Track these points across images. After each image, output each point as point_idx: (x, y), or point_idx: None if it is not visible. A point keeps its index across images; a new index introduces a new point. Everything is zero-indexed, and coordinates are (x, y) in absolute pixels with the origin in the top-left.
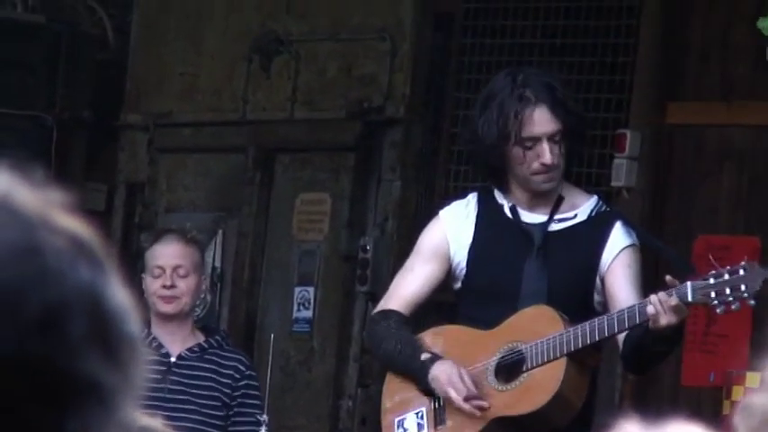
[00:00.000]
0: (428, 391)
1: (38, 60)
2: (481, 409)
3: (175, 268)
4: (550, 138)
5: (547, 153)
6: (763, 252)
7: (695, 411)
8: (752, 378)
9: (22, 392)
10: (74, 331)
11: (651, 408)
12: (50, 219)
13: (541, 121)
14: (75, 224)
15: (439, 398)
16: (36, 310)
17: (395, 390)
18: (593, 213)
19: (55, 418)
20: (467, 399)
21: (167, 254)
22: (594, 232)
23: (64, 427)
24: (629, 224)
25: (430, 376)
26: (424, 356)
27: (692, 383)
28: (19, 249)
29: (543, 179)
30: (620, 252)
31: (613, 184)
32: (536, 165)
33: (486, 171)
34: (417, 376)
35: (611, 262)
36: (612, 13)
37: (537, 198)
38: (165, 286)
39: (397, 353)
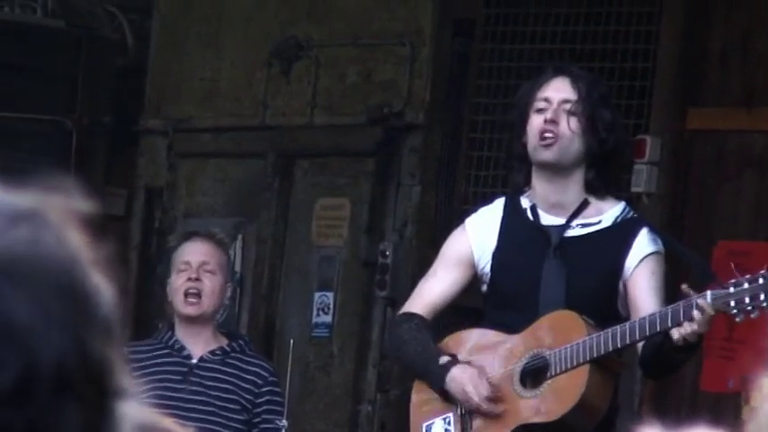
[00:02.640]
0: (450, 400)
1: (58, 65)
2: (494, 413)
3: (202, 264)
4: (563, 104)
5: (551, 112)
6: None
7: (714, 417)
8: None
9: (100, 393)
10: (116, 336)
11: (670, 413)
12: (69, 230)
13: (558, 86)
14: (84, 235)
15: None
16: (103, 316)
17: (422, 396)
18: (619, 220)
19: (103, 420)
20: (488, 398)
21: (195, 250)
22: (619, 238)
23: (105, 428)
24: (655, 231)
25: (449, 377)
26: (444, 359)
27: (711, 389)
28: (82, 260)
29: (545, 143)
30: (643, 258)
31: (633, 189)
32: (539, 122)
33: (513, 160)
34: (436, 378)
35: (635, 268)
36: (632, 19)
37: (559, 195)
38: (190, 279)
39: (417, 355)
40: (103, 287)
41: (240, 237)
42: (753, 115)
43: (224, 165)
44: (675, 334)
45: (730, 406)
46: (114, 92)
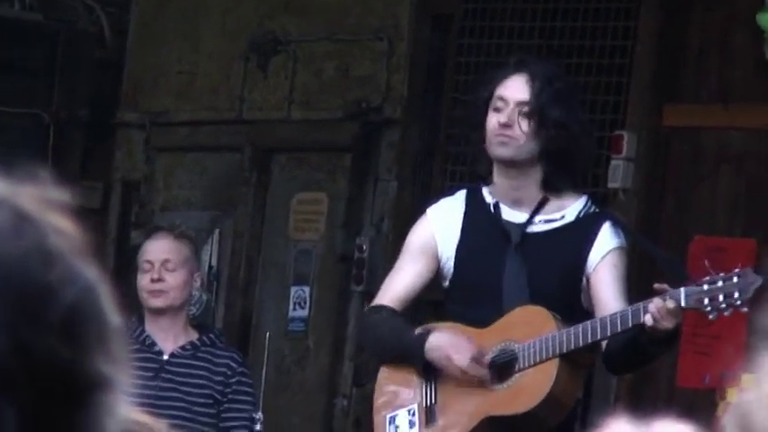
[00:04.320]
0: (420, 389)
1: (35, 59)
2: (481, 377)
3: (164, 262)
4: (519, 106)
5: (506, 116)
6: (759, 254)
7: (690, 413)
8: (746, 380)
9: (47, 393)
10: (87, 330)
11: (646, 408)
12: (53, 220)
13: (515, 86)
14: (69, 223)
15: (432, 396)
16: (60, 313)
17: (387, 386)
18: (582, 215)
19: (72, 415)
20: (473, 359)
21: (156, 249)
22: (582, 233)
23: (79, 422)
24: (617, 225)
25: (427, 346)
26: (420, 329)
27: (687, 385)
28: (39, 254)
29: (499, 141)
30: (607, 253)
31: (610, 185)
32: (495, 123)
33: (474, 156)
34: (413, 351)
35: (598, 263)
36: (610, 15)
37: (519, 191)
38: (153, 280)
39: (390, 335)
40: (76, 282)
41: (217, 230)
42: (729, 112)
43: (201, 158)
44: (650, 321)
45: (706, 402)
46: (91, 85)
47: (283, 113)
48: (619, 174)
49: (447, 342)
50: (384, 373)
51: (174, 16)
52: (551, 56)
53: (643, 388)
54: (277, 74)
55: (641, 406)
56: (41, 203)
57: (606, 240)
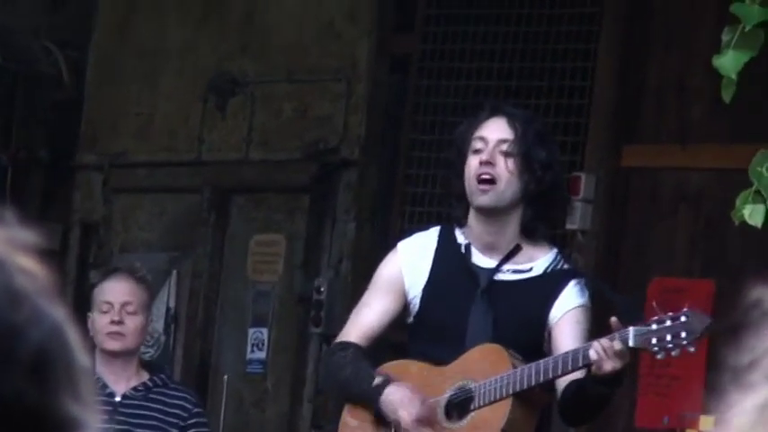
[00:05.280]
0: (383, 424)
1: None
2: None
3: (124, 305)
4: (500, 144)
5: (487, 153)
6: (717, 295)
7: None
8: (705, 421)
9: None
10: (55, 370)
11: None
12: (19, 261)
13: (494, 127)
14: (35, 264)
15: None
16: (28, 353)
17: (351, 422)
18: (549, 270)
19: None
20: (418, 420)
21: (117, 290)
22: (547, 289)
23: None
24: (583, 284)
25: (382, 398)
26: (378, 380)
27: (646, 425)
28: (5, 294)
29: (481, 189)
30: (569, 311)
31: (568, 226)
32: (476, 164)
33: (452, 198)
34: (370, 399)
35: (559, 319)
36: (568, 56)
37: (493, 237)
38: (113, 321)
39: (352, 378)
40: (43, 322)
41: (175, 271)
42: (688, 152)
43: (159, 199)
44: (594, 354)
45: None
46: (50, 127)
47: (241, 154)
48: (577, 215)
49: (398, 399)
50: (348, 407)
51: (133, 57)
52: (509, 97)
53: (602, 428)
54: (235, 115)
55: None
56: (7, 244)
57: (570, 298)
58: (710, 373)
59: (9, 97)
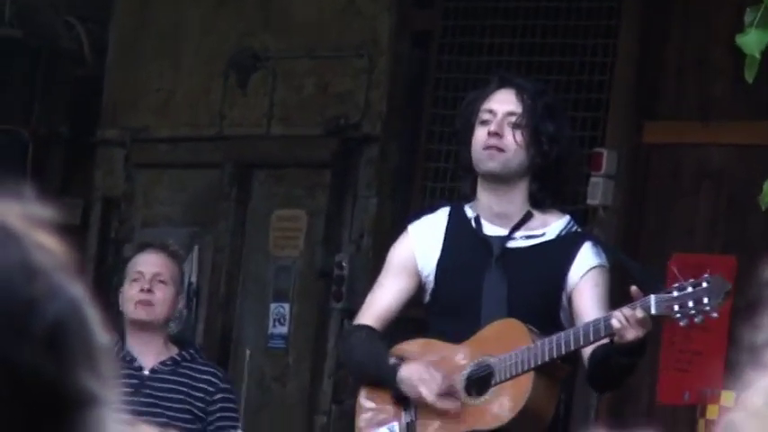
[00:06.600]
0: (400, 406)
1: (15, 75)
2: (451, 410)
3: (155, 275)
4: (508, 116)
5: (495, 125)
6: (738, 271)
7: (670, 429)
8: (726, 397)
9: (33, 408)
10: (72, 345)
11: (627, 425)
12: (37, 237)
13: (503, 98)
14: (54, 240)
15: (411, 413)
16: (44, 328)
17: (367, 404)
18: (563, 233)
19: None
20: (439, 395)
21: (148, 261)
22: (562, 251)
23: None
24: (599, 245)
25: (399, 377)
26: (394, 360)
27: (667, 401)
28: (22, 269)
29: (488, 155)
30: (587, 272)
31: (589, 202)
32: (483, 134)
33: (462, 170)
34: (387, 380)
35: (579, 281)
36: (590, 32)
37: (502, 206)
38: (142, 290)
39: (367, 360)
40: (60, 297)
41: (197, 247)
42: (709, 129)
43: (181, 175)
44: (617, 323)
45: (686, 419)
46: (71, 102)
47: (263, 130)
48: (598, 191)
49: (416, 376)
50: (364, 391)
51: (154, 34)
52: (530, 72)
53: (623, 404)
54: (256, 90)
55: (621, 423)
56: (25, 220)
57: (587, 259)
58: (731, 349)
59: (30, 73)
